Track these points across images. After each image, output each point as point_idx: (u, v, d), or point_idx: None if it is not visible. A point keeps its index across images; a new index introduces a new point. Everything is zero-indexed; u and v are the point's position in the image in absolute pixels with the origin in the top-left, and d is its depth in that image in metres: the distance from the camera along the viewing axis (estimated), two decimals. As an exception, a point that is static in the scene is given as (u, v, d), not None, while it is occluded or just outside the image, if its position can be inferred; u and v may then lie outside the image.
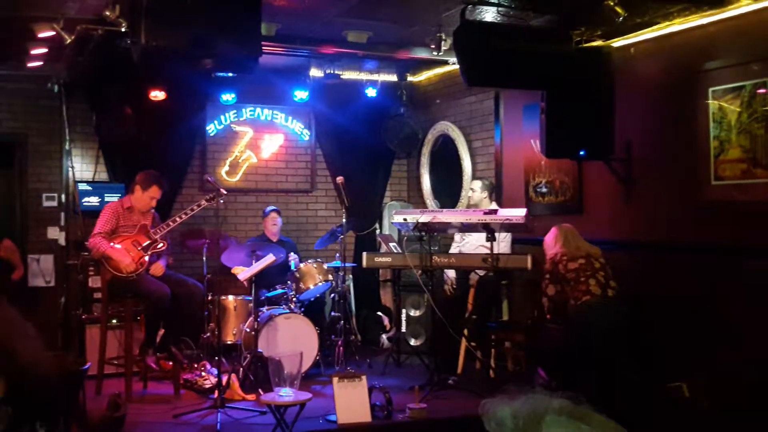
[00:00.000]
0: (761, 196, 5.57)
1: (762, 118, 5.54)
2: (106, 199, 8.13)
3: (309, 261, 7.99)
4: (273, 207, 8.67)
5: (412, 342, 8.57)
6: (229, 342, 7.46)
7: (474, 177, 8.92)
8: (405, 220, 7.22)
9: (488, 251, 6.74)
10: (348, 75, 9.06)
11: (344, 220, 7.93)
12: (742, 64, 5.70)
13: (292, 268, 7.98)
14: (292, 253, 8.25)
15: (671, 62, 6.37)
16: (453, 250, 8.03)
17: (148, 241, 6.84)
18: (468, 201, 7.74)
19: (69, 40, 6.38)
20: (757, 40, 5.61)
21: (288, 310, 7.35)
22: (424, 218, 7.04)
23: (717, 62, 5.91)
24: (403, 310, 8.54)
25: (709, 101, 5.94)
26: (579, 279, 6.15)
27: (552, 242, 6.45)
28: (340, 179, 7.97)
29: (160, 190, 6.97)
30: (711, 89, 5.93)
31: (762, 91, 5.55)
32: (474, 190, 7.81)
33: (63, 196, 8.70)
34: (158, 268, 6.92)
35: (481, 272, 7.49)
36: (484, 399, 1.58)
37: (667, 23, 6.17)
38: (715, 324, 5.84)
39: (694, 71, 6.07)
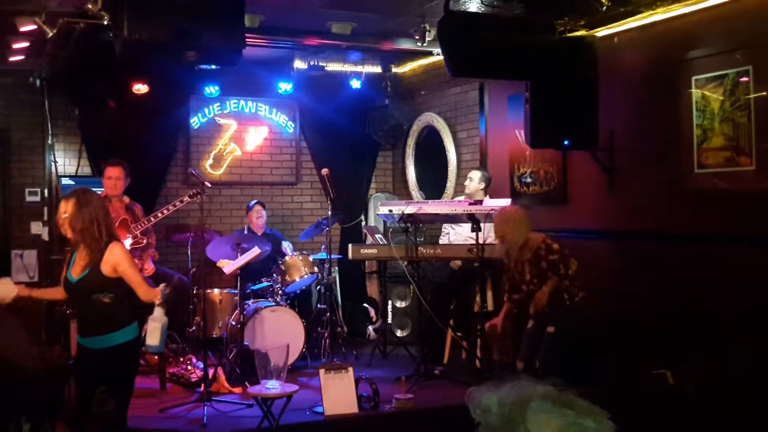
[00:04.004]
0: (744, 184, 5.59)
1: (745, 107, 5.57)
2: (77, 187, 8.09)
3: (295, 253, 8.00)
4: (256, 200, 8.66)
5: (399, 333, 8.59)
6: (215, 335, 7.44)
7: (459, 168, 8.94)
8: (390, 211, 7.23)
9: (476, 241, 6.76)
10: (332, 67, 9.05)
11: (330, 212, 7.92)
12: (725, 52, 5.72)
13: (289, 253, 8.07)
14: (284, 242, 8.32)
15: (654, 51, 6.39)
16: (443, 239, 8.04)
17: (129, 237, 6.82)
18: (464, 189, 7.73)
19: (51, 34, 6.34)
20: (740, 28, 5.63)
21: (274, 303, 7.35)
22: (409, 209, 7.05)
23: (700, 51, 5.93)
24: (389, 302, 8.55)
25: (692, 90, 5.96)
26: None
27: (526, 224, 6.24)
28: (325, 171, 7.96)
29: (112, 167, 6.97)
30: (694, 78, 5.95)
31: (745, 79, 5.57)
32: (472, 179, 7.72)
33: (46, 191, 8.65)
34: (149, 268, 6.98)
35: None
36: (471, 388, 1.58)
37: (651, 12, 6.18)
38: (698, 311, 5.87)
39: (677, 60, 6.09)
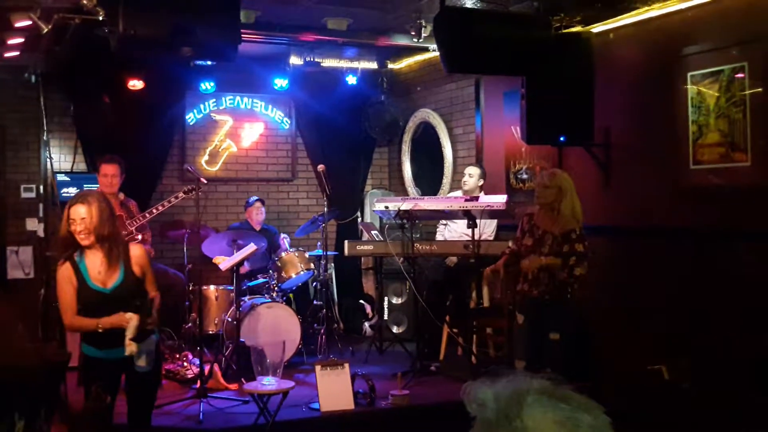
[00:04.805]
0: (740, 179, 5.60)
1: (740, 102, 5.57)
2: (85, 189, 8.08)
3: (291, 250, 7.99)
4: (257, 197, 8.65)
5: (395, 329, 8.59)
6: (210, 332, 7.43)
7: (455, 164, 8.94)
8: (386, 207, 7.23)
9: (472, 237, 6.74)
10: (328, 63, 9.03)
11: (326, 209, 7.92)
12: (721, 48, 5.73)
13: (287, 246, 8.09)
14: (283, 235, 8.32)
15: (650, 47, 6.39)
16: (439, 235, 8.05)
17: (124, 233, 6.81)
18: (462, 186, 7.74)
19: (46, 30, 6.31)
20: (735, 24, 5.64)
21: (270, 300, 7.35)
22: (405, 206, 7.05)
23: (695, 47, 5.94)
24: (385, 298, 8.56)
25: (688, 86, 5.97)
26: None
27: (576, 197, 5.72)
28: (321, 167, 7.95)
29: (107, 164, 6.93)
30: (690, 74, 5.96)
31: (740, 75, 5.57)
32: (471, 175, 7.71)
33: (41, 187, 8.63)
34: None
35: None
36: (466, 383, 1.58)
37: (646, 8, 6.19)
38: (693, 306, 5.88)
39: (672, 56, 6.10)
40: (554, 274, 5.61)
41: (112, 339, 4.27)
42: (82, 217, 4.27)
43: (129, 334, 4.20)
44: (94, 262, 4.34)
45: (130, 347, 4.22)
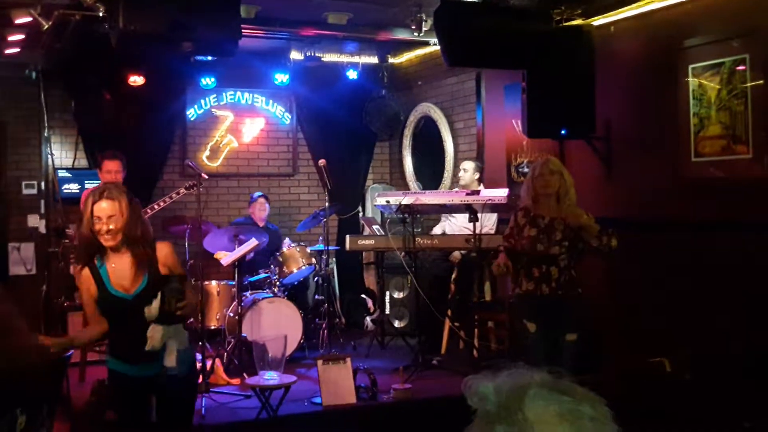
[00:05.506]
0: (741, 172, 5.59)
1: (741, 95, 5.56)
2: (86, 186, 8.08)
3: (292, 245, 8.00)
4: (261, 193, 8.65)
5: (396, 324, 8.59)
6: (212, 327, 7.44)
7: (456, 158, 8.94)
8: (388, 202, 7.23)
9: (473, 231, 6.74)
10: (329, 57, 9.02)
11: (327, 204, 7.92)
12: (722, 41, 5.71)
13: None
14: (286, 239, 8.31)
15: (651, 40, 6.37)
16: (438, 229, 8.05)
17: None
18: (458, 181, 7.77)
19: (46, 26, 6.31)
20: (736, 16, 5.62)
21: (272, 294, 7.35)
22: (406, 200, 7.05)
23: (696, 39, 5.92)
24: (387, 292, 8.55)
25: (689, 78, 5.95)
26: None
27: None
28: (322, 162, 7.95)
29: (110, 160, 6.84)
30: (691, 66, 5.95)
31: (741, 67, 5.56)
32: (466, 170, 7.77)
33: (43, 184, 8.64)
34: None
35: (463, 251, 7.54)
36: (468, 376, 1.58)
37: (648, 1, 6.17)
38: (695, 299, 5.88)
39: (673, 49, 6.08)
40: (584, 243, 5.34)
41: (142, 351, 3.74)
42: (109, 214, 3.73)
43: (153, 346, 3.73)
44: (117, 266, 3.80)
45: (152, 340, 3.70)
